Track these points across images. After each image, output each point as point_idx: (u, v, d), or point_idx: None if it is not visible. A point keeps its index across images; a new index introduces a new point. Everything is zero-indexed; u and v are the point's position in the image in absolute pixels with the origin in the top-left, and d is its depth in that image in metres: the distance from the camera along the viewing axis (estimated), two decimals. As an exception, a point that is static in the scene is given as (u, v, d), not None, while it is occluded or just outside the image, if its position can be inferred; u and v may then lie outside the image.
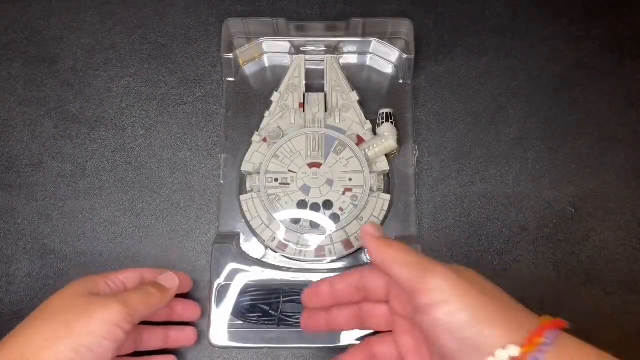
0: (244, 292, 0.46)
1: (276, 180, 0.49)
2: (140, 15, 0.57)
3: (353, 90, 0.52)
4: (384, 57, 0.54)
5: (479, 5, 0.57)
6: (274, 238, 0.48)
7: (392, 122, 0.50)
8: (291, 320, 0.46)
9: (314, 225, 0.48)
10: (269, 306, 0.46)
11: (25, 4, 0.57)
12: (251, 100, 0.53)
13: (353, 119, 0.51)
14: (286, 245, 0.48)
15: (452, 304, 0.30)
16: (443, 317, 0.30)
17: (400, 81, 0.53)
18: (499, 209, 0.50)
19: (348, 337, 0.45)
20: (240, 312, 0.46)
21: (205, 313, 0.47)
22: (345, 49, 0.54)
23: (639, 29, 0.55)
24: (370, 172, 0.49)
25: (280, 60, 0.54)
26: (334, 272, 0.47)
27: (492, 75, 0.54)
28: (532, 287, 0.48)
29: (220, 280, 0.47)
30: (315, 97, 0.51)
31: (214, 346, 0.46)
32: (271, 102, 0.52)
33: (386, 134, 0.50)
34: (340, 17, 0.55)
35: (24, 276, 0.49)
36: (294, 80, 0.52)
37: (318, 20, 0.54)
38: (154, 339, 0.45)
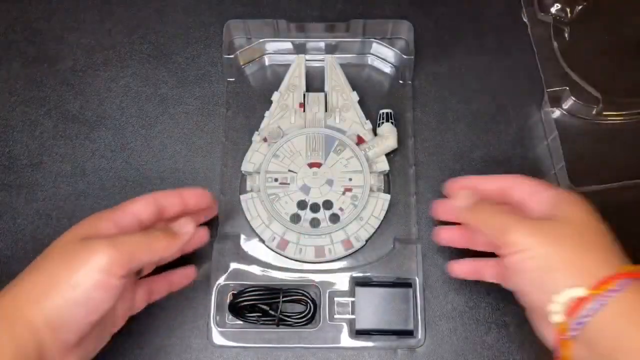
0: (243, 291, 0.46)
1: (276, 180, 0.49)
2: (140, 15, 0.57)
3: (353, 90, 0.52)
4: (384, 58, 0.54)
5: (479, 5, 0.57)
6: (274, 238, 0.48)
7: (392, 122, 0.51)
8: (291, 320, 0.46)
9: (313, 225, 0.48)
10: (268, 306, 0.46)
11: (25, 4, 0.57)
12: (251, 100, 0.53)
13: (353, 119, 0.51)
14: (286, 245, 0.47)
15: (523, 252, 0.34)
16: (515, 263, 0.35)
17: (400, 81, 0.53)
18: (499, 209, 0.50)
19: (348, 339, 0.45)
20: (240, 312, 0.46)
21: (205, 313, 0.47)
22: (345, 50, 0.54)
23: (638, 30, 0.55)
24: (370, 172, 0.49)
25: (281, 60, 0.54)
26: (335, 272, 0.47)
27: (492, 75, 0.54)
28: (532, 287, 0.48)
29: (220, 280, 0.47)
30: (315, 97, 0.51)
31: (214, 346, 0.46)
32: (271, 102, 0.52)
33: (386, 134, 0.50)
34: (340, 17, 0.55)
35: (24, 276, 0.49)
36: (294, 80, 0.52)
37: (318, 21, 0.54)
38: (160, 288, 0.43)
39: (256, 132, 0.51)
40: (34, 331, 0.32)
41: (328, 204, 0.48)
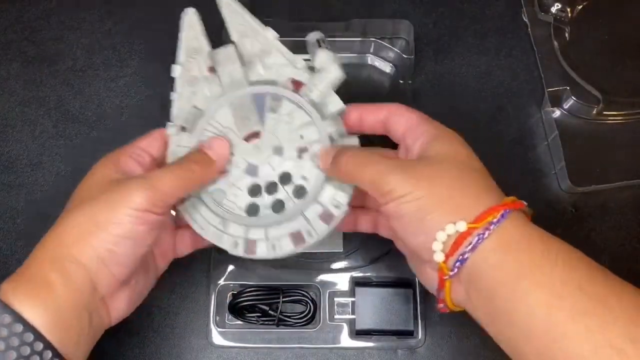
0: (243, 291, 0.46)
1: None
2: (140, 15, 0.57)
3: (268, 28, 0.41)
4: (384, 58, 0.54)
5: (479, 5, 0.57)
6: (237, 243, 0.38)
7: (327, 47, 0.40)
8: (291, 320, 0.46)
9: (277, 210, 0.38)
10: (268, 306, 0.46)
11: (25, 3, 0.57)
12: (251, 100, 0.53)
13: (279, 62, 0.40)
14: (255, 246, 0.38)
15: (401, 198, 0.33)
16: (393, 208, 0.33)
17: (400, 81, 0.53)
18: (499, 209, 0.50)
19: (347, 339, 0.45)
20: (240, 312, 0.46)
21: (205, 313, 0.47)
22: (345, 50, 0.54)
23: (638, 30, 0.55)
24: (323, 119, 0.39)
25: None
26: (336, 272, 0.47)
27: (492, 75, 0.54)
28: (532, 287, 0.47)
29: (220, 280, 0.47)
30: (224, 54, 0.40)
31: (214, 346, 0.46)
32: (173, 80, 0.41)
33: (324, 65, 0.39)
34: (340, 17, 0.55)
35: (24, 276, 0.48)
36: (192, 42, 0.41)
37: (318, 21, 0.54)
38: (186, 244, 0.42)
39: (169, 123, 0.40)
40: (84, 267, 0.33)
41: (286, 178, 0.38)
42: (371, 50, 0.54)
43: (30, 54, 0.55)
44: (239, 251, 0.38)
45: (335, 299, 0.46)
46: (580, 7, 0.56)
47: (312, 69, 0.40)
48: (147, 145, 0.39)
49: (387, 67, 0.54)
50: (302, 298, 0.46)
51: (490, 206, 0.31)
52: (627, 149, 0.51)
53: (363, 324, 0.45)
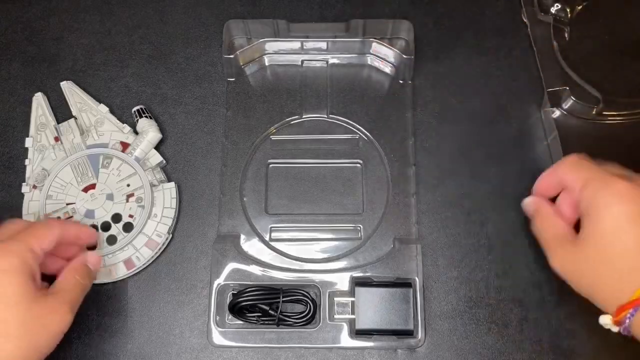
0: (243, 291, 0.46)
1: (59, 218, 0.49)
2: (140, 15, 0.57)
3: (100, 103, 0.52)
4: (384, 58, 0.54)
5: (479, 5, 0.57)
6: None
7: (147, 116, 0.51)
8: (291, 320, 0.46)
9: (111, 243, 0.48)
10: (268, 306, 0.46)
11: (25, 3, 0.57)
12: (251, 100, 0.53)
13: (110, 129, 0.51)
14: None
15: (562, 273, 0.41)
16: (560, 273, 0.42)
17: (400, 81, 0.53)
18: (499, 209, 0.50)
19: (347, 339, 0.45)
20: (240, 312, 0.46)
21: (205, 313, 0.47)
22: (345, 50, 0.54)
23: (638, 30, 0.55)
24: (145, 170, 0.49)
25: (281, 60, 0.54)
26: (335, 272, 0.47)
27: (492, 75, 0.54)
28: (533, 287, 0.48)
29: (220, 280, 0.47)
30: (66, 126, 0.51)
31: (214, 346, 0.46)
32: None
33: (145, 128, 0.50)
34: (340, 17, 0.55)
35: (24, 276, 0.48)
36: (41, 119, 0.52)
37: (318, 21, 0.54)
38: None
39: (24, 184, 0.50)
40: None
41: (117, 217, 0.48)
42: (371, 50, 0.54)
43: (30, 54, 0.55)
44: None
45: (335, 299, 0.46)
46: (580, 7, 0.56)
47: (136, 132, 0.51)
48: (48, 245, 0.41)
49: (387, 68, 0.54)
50: (302, 298, 0.46)
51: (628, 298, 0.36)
52: (627, 149, 0.51)
53: (363, 324, 0.45)
